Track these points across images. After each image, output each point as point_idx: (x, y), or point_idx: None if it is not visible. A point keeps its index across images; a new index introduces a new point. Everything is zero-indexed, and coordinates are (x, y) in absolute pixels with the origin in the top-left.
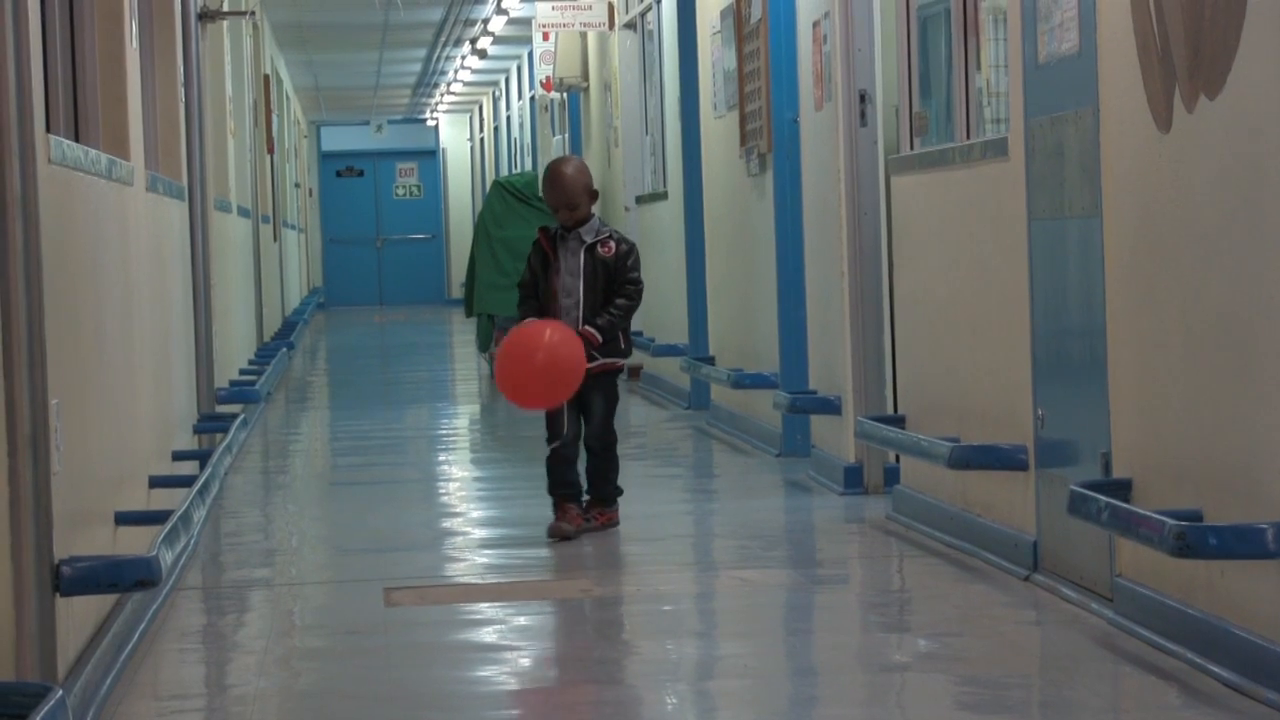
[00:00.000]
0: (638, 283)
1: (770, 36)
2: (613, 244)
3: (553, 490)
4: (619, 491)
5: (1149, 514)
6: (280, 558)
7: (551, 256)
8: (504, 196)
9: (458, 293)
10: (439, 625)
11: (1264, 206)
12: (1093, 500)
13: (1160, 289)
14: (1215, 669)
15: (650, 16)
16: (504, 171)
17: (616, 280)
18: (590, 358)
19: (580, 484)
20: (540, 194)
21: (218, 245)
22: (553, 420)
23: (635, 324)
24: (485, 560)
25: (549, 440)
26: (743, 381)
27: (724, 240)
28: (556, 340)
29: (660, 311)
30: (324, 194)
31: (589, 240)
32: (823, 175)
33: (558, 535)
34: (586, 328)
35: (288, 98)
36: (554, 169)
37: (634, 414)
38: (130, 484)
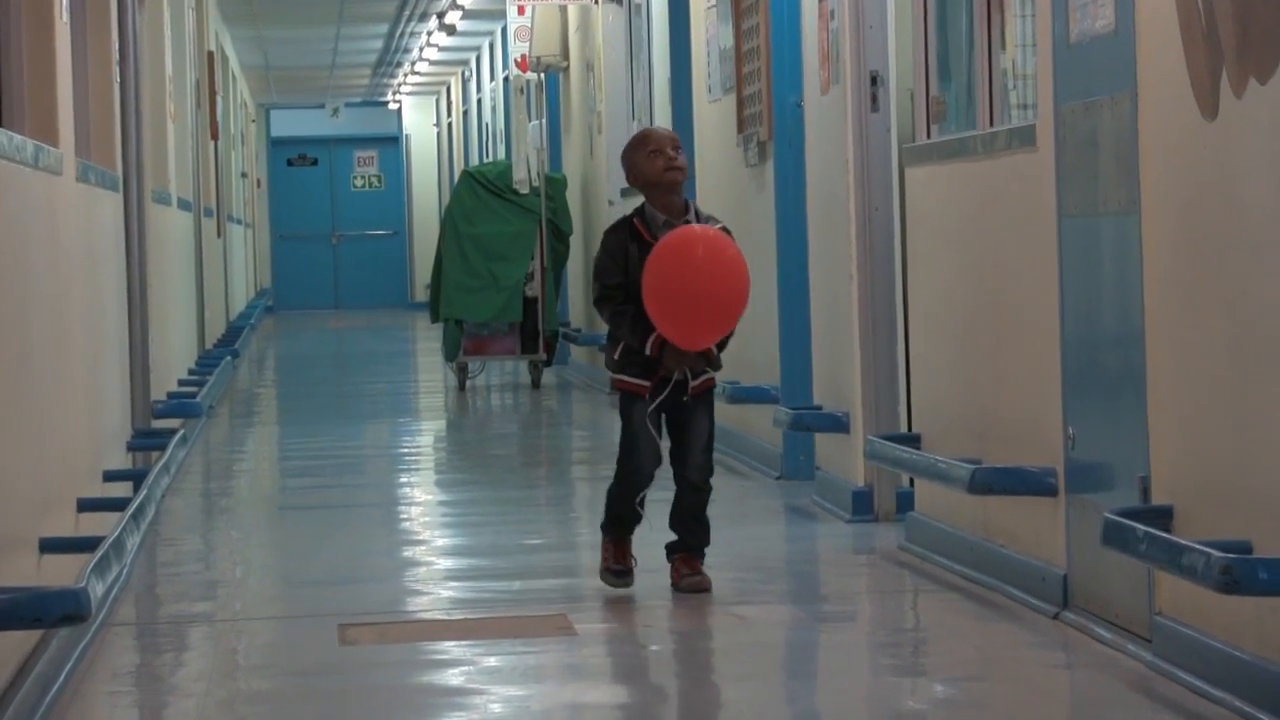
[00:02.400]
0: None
1: (771, 12)
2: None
3: (617, 521)
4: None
5: (1192, 545)
6: (223, 590)
7: None
8: (474, 188)
9: (423, 296)
10: (399, 666)
11: None
12: (1129, 529)
13: (1205, 293)
14: (1263, 717)
15: None
16: (474, 161)
17: None
18: (697, 373)
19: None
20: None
21: (155, 241)
22: (638, 443)
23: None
24: (451, 594)
25: (629, 467)
26: (739, 395)
27: None
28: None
29: None
30: (274, 185)
31: None
32: (829, 166)
33: (620, 587)
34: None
35: (234, 78)
36: (649, 131)
37: (619, 431)
38: (57, 507)
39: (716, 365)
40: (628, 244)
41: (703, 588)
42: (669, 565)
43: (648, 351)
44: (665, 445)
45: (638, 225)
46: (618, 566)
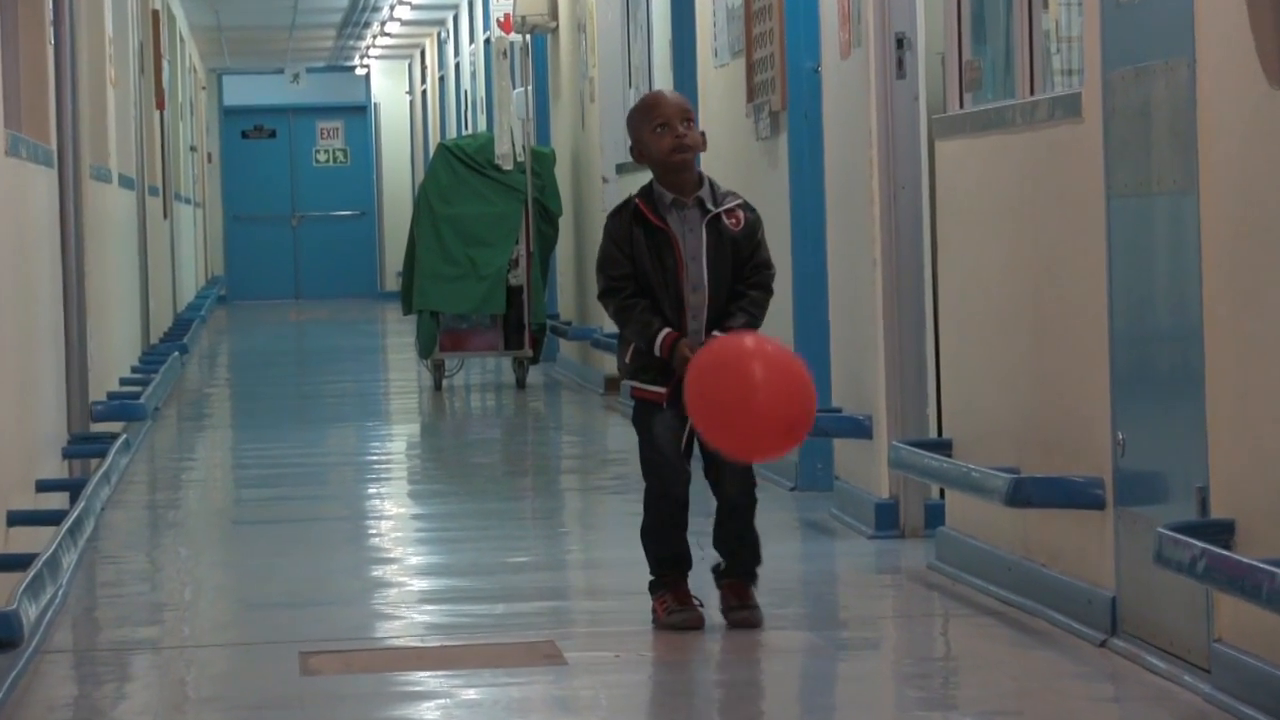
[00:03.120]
0: (771, 266)
1: None
2: (741, 213)
3: (663, 565)
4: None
5: (1256, 564)
6: (171, 614)
7: (670, 235)
8: (451, 164)
9: (394, 285)
10: (367, 699)
11: None
12: (1186, 546)
13: (1270, 283)
14: None
15: None
16: (451, 133)
17: (743, 263)
18: None
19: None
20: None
21: (94, 223)
22: (660, 461)
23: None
24: (425, 618)
25: (656, 492)
26: None
27: None
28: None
29: None
30: (226, 160)
31: (713, 209)
32: (850, 139)
33: (691, 625)
34: (718, 335)
35: (182, 40)
36: (657, 99)
37: (613, 436)
38: None
39: None
40: (632, 228)
41: (752, 624)
42: (718, 592)
43: (657, 352)
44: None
45: (642, 207)
46: (680, 607)
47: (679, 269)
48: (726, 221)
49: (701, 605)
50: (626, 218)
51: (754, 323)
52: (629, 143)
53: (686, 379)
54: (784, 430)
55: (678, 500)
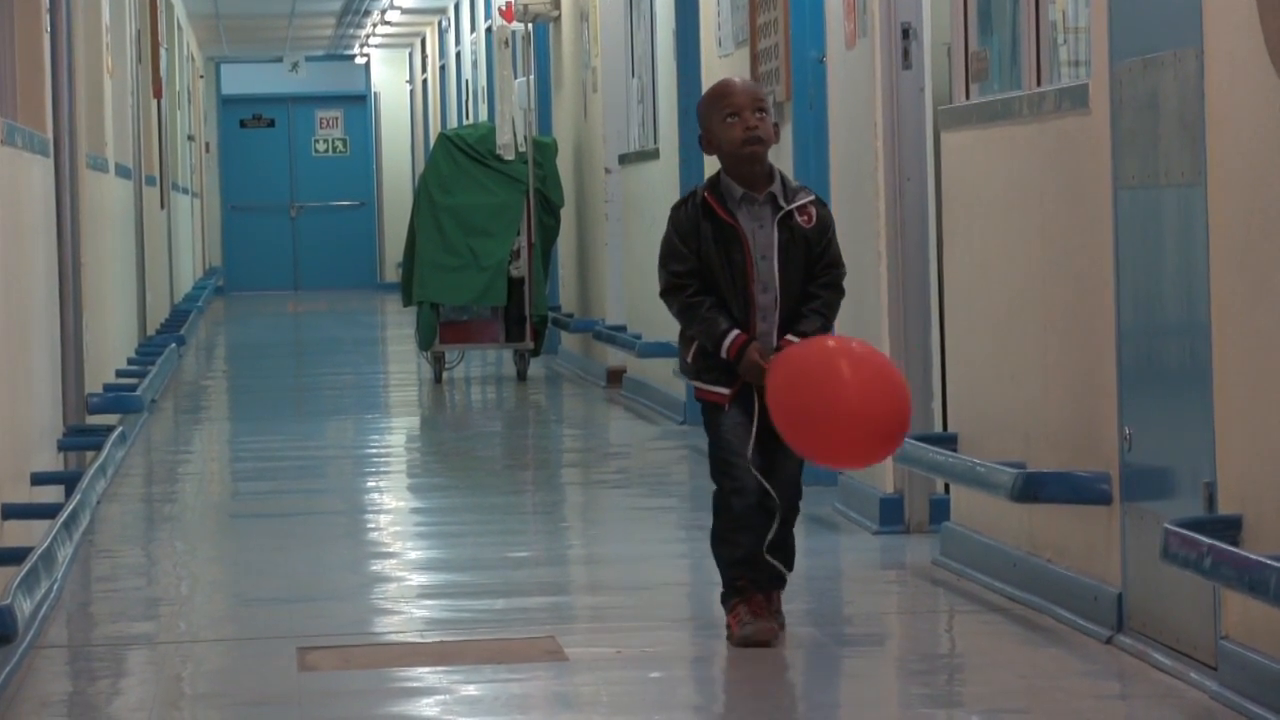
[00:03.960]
0: (843, 264)
1: None
2: (813, 209)
3: (735, 569)
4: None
5: (1263, 560)
6: (166, 609)
7: (739, 231)
8: (452, 154)
9: (394, 276)
10: (366, 695)
11: None
12: (1193, 542)
13: (1279, 275)
14: None
15: None
16: (452, 123)
17: (814, 262)
18: None
19: None
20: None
21: (91, 213)
22: (730, 462)
23: (617, 316)
24: (425, 613)
25: (727, 492)
26: None
27: None
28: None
29: (648, 300)
30: (224, 149)
31: (785, 205)
32: (855, 130)
33: (763, 640)
34: (792, 339)
35: (180, 27)
36: (729, 86)
37: (615, 429)
38: None
39: None
40: (699, 221)
41: (770, 639)
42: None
43: (724, 355)
44: None
45: (710, 200)
46: (753, 619)
47: (748, 267)
48: (799, 218)
49: (779, 616)
50: (693, 211)
51: (827, 326)
52: (698, 131)
53: (771, 387)
54: (882, 438)
55: (753, 498)
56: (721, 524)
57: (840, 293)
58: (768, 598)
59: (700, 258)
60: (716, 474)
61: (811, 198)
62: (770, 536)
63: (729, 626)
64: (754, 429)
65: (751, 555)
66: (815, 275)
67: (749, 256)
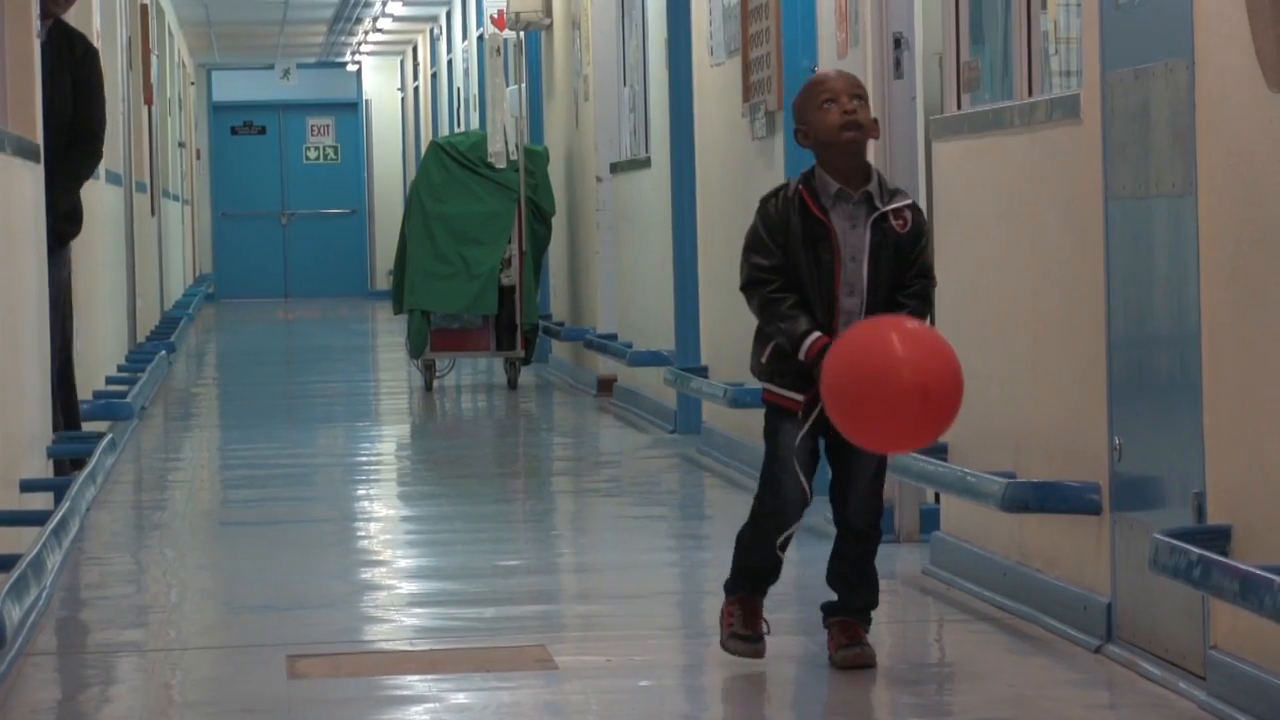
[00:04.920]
0: (933, 276)
1: None
2: (908, 214)
3: (744, 577)
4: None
5: (1252, 570)
6: (156, 616)
7: (829, 229)
8: (443, 162)
9: (385, 283)
10: (355, 703)
11: None
12: (1182, 552)
13: (1270, 287)
14: None
15: None
16: (443, 131)
17: (905, 269)
18: None
19: None
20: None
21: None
22: (784, 477)
23: (608, 324)
24: (415, 621)
25: (769, 506)
26: (743, 399)
27: (721, 220)
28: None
29: (640, 308)
30: (215, 156)
31: (881, 207)
32: None
33: (750, 656)
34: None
35: (171, 34)
36: (824, 76)
37: (606, 438)
38: None
39: None
40: (789, 216)
41: (864, 662)
42: (825, 630)
43: (802, 356)
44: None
45: (804, 194)
46: (746, 631)
47: (835, 268)
48: (893, 221)
49: (769, 632)
50: (784, 205)
51: None
52: (795, 126)
53: (824, 376)
54: (919, 392)
55: (792, 519)
56: (750, 531)
57: (929, 304)
58: (845, 629)
59: (786, 254)
60: (763, 482)
61: (909, 201)
62: (835, 564)
63: (722, 617)
64: (820, 443)
65: (764, 569)
66: (904, 284)
67: (838, 257)
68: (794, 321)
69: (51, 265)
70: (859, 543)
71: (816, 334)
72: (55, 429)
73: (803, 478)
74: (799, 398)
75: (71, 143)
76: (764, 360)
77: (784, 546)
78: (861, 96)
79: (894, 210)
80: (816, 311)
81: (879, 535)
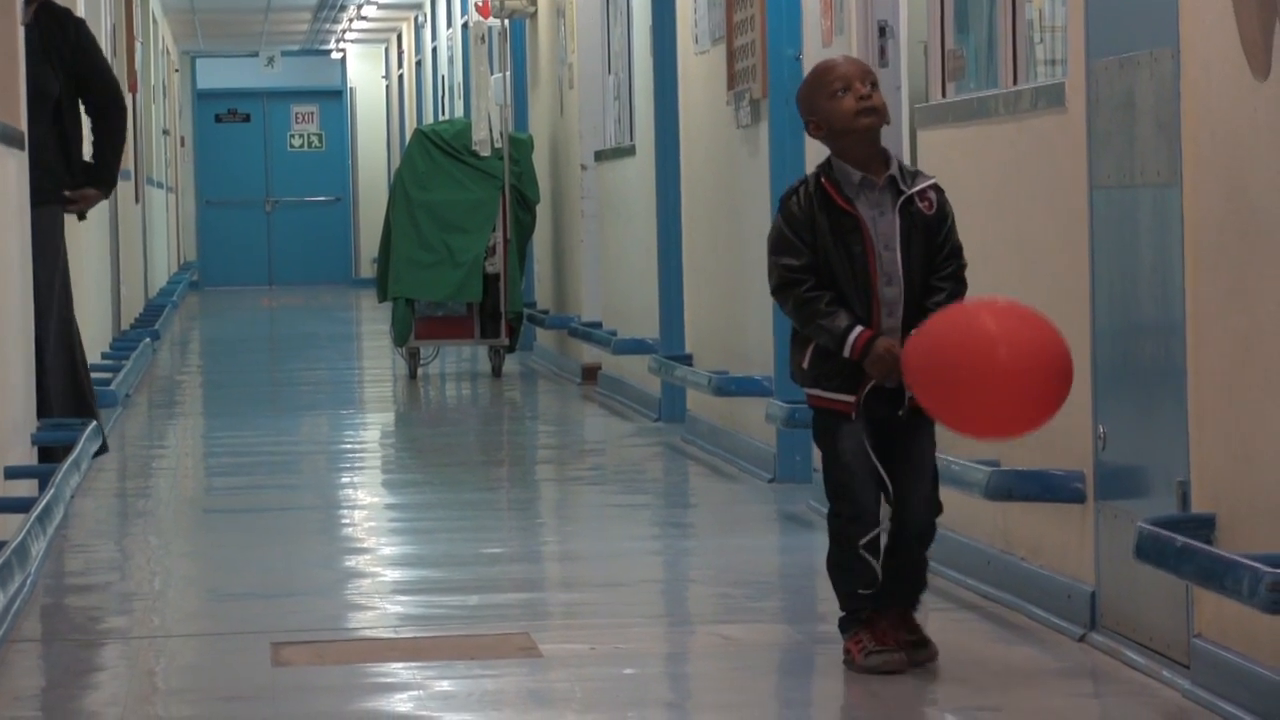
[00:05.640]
0: (963, 256)
1: None
2: (932, 194)
3: (855, 600)
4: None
5: (1237, 559)
6: (140, 603)
7: (859, 220)
8: (428, 150)
9: (369, 271)
10: (340, 691)
11: None
12: (1166, 541)
13: (1254, 276)
14: None
15: None
16: (428, 118)
17: (936, 251)
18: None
19: None
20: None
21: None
22: (851, 484)
23: (592, 312)
24: (399, 609)
25: (847, 516)
26: (728, 387)
27: (706, 208)
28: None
29: (624, 296)
30: (199, 144)
31: (905, 190)
32: None
33: (892, 669)
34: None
35: (155, 21)
36: (831, 63)
37: (590, 426)
38: None
39: None
40: (814, 213)
41: (932, 657)
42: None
43: (847, 352)
44: None
45: (827, 187)
46: (879, 648)
47: (869, 259)
48: (920, 204)
49: (901, 645)
50: (806, 201)
51: None
52: (803, 122)
53: (909, 369)
54: (1045, 385)
55: (873, 518)
56: (838, 552)
57: (964, 285)
58: (906, 621)
59: (815, 252)
60: (833, 496)
61: (931, 181)
62: (898, 559)
63: (848, 651)
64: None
65: (871, 582)
66: (936, 267)
67: (870, 247)
68: (834, 318)
69: (50, 255)
70: (920, 539)
71: (860, 328)
72: (72, 415)
73: (872, 478)
74: (850, 399)
75: (99, 114)
76: (805, 365)
77: (870, 549)
78: (874, 81)
79: (918, 192)
80: (855, 306)
81: (935, 534)
